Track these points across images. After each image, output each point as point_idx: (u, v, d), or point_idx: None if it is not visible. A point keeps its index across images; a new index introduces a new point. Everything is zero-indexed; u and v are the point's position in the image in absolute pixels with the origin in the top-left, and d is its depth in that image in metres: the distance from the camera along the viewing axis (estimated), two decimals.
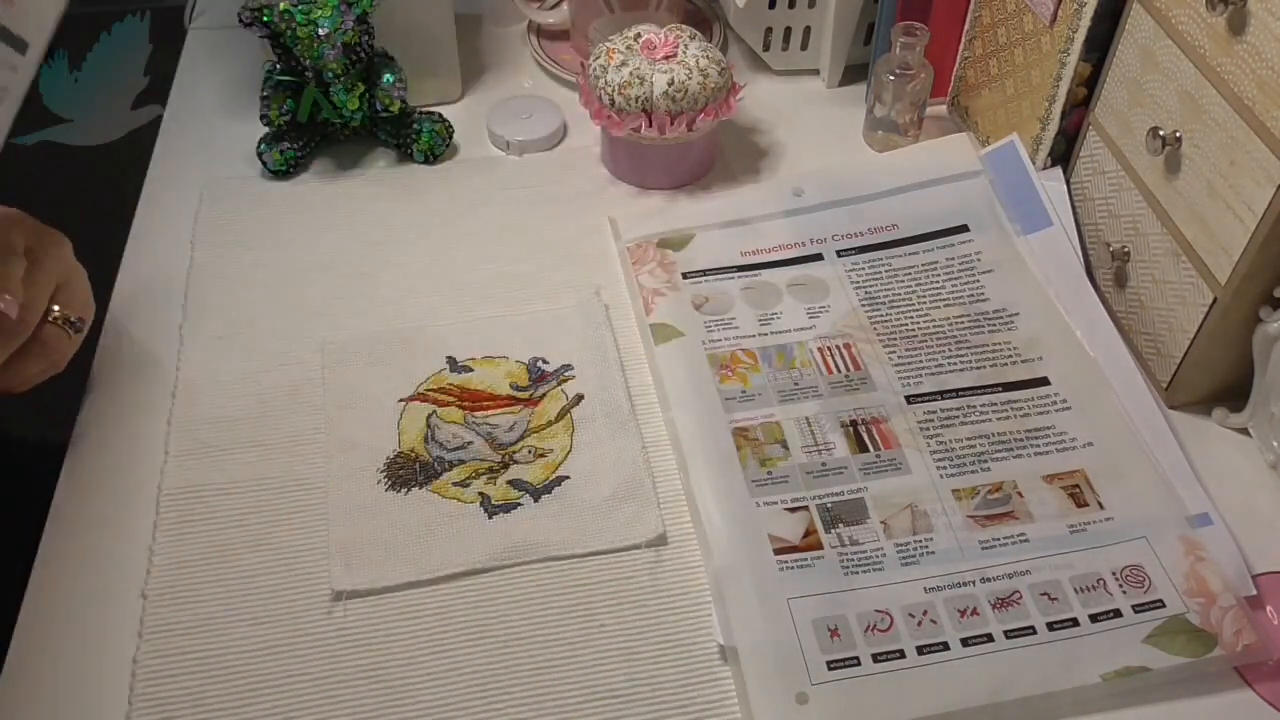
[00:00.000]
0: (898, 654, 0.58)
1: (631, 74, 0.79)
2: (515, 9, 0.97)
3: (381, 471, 0.65)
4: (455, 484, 0.65)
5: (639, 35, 0.82)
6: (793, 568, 0.61)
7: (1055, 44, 0.76)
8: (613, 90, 0.80)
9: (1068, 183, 0.80)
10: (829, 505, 0.64)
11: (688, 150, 0.84)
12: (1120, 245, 0.73)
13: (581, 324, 0.74)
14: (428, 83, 0.91)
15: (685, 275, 0.77)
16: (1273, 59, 0.58)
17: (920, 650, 0.58)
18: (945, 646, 0.58)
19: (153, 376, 0.71)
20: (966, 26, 0.86)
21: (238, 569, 0.61)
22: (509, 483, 0.65)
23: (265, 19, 0.78)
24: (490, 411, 0.68)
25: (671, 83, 0.79)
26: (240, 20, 0.79)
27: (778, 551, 0.62)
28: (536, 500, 0.64)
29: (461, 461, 0.66)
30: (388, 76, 0.84)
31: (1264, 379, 0.67)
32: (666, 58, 0.80)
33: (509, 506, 0.64)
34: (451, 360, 0.71)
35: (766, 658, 0.57)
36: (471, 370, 0.70)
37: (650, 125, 0.80)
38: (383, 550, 0.62)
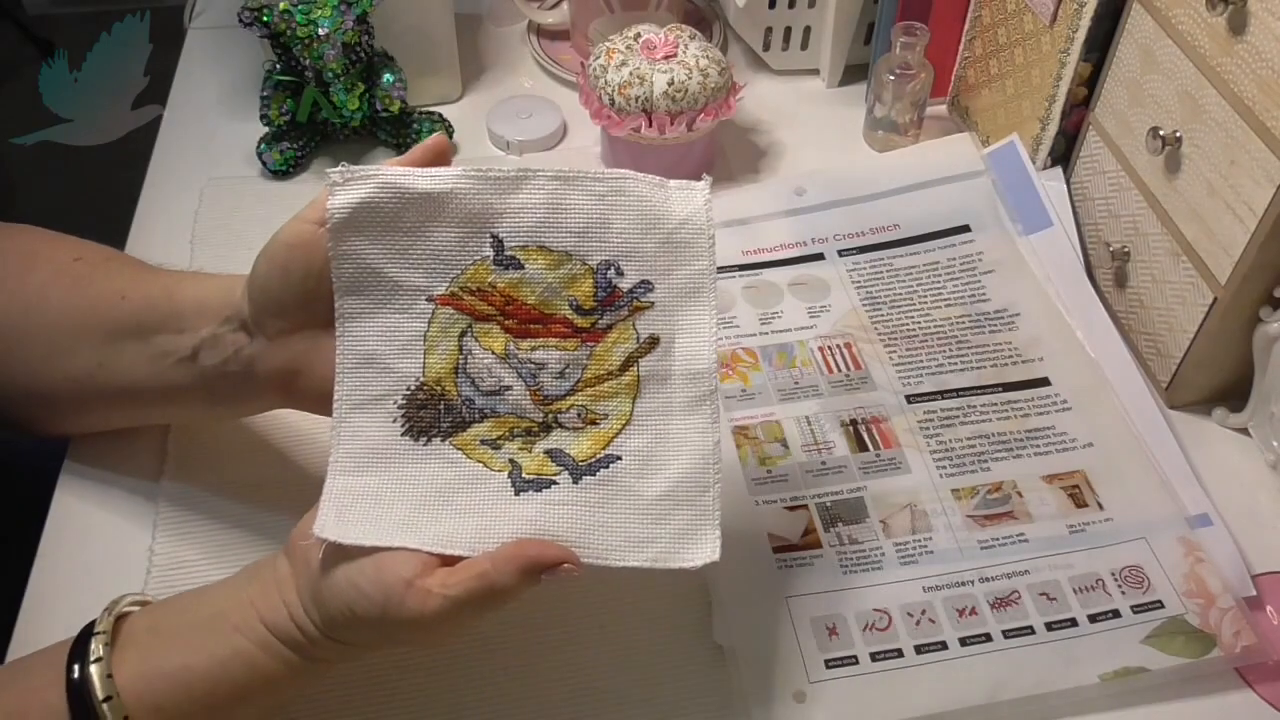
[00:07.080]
0: (896, 653, 0.58)
1: (631, 74, 0.79)
2: (515, 9, 0.97)
3: (400, 408, 0.52)
4: (484, 442, 0.52)
5: (639, 35, 0.82)
6: (791, 566, 0.61)
7: (1055, 44, 0.76)
8: (613, 90, 0.80)
9: (1068, 183, 0.79)
10: (828, 504, 0.64)
11: (688, 150, 0.84)
12: (1120, 245, 0.73)
13: (673, 228, 0.53)
14: (428, 83, 0.91)
15: None
16: (1273, 59, 0.58)
17: (918, 649, 0.58)
18: (943, 646, 0.58)
19: None
20: (966, 26, 0.86)
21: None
22: (547, 452, 0.52)
23: (265, 19, 0.78)
24: (539, 339, 0.53)
25: (671, 83, 0.79)
26: (240, 20, 0.79)
27: (777, 550, 0.62)
28: (576, 481, 0.51)
29: (495, 413, 0.52)
30: (388, 76, 0.84)
31: (1264, 379, 0.67)
32: (666, 58, 0.80)
33: (541, 484, 0.51)
34: (498, 244, 0.52)
35: (765, 656, 0.57)
36: (522, 266, 0.52)
37: (650, 125, 0.80)
38: (384, 507, 0.51)
